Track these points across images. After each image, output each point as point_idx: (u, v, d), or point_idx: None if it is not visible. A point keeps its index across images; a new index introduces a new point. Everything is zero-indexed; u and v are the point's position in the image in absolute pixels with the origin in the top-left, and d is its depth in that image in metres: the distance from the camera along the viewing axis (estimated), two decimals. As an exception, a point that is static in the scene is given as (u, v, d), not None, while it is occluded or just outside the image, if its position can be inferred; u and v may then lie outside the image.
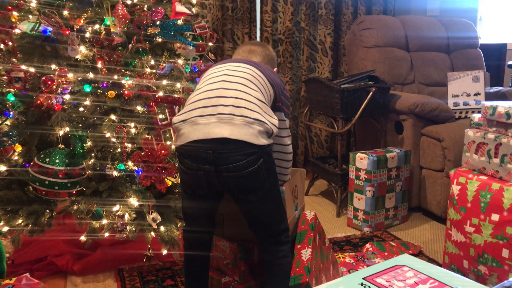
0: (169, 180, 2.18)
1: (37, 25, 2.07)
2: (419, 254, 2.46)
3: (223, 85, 1.62)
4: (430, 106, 2.89)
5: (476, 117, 2.18)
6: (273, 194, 1.66)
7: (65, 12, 2.10)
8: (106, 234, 2.09)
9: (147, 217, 2.10)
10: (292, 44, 3.81)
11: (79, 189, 2.09)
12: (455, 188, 2.11)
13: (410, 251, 2.47)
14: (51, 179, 2.01)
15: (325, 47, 3.87)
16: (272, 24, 3.73)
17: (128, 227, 2.09)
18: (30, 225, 2.08)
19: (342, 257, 2.34)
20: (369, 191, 2.72)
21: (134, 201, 2.10)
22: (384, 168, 2.74)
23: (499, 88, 3.57)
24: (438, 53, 3.64)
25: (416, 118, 2.95)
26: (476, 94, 3.10)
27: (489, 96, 3.24)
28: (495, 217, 1.93)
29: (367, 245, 2.50)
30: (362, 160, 2.73)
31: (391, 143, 3.11)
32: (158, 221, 2.11)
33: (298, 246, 1.80)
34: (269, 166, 1.61)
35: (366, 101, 2.88)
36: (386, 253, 2.41)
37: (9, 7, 2.06)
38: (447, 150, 2.75)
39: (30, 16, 2.13)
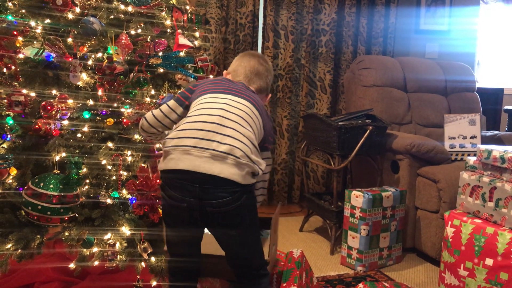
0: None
1: (41, 50, 2.10)
2: (412, 296, 2.43)
3: (221, 121, 1.60)
4: (427, 147, 2.91)
5: (472, 160, 2.20)
6: (252, 228, 1.67)
7: (69, 40, 2.14)
8: (96, 263, 2.06)
9: (138, 246, 2.08)
10: (292, 80, 3.86)
11: (71, 215, 2.08)
12: (449, 231, 2.10)
13: (403, 293, 2.43)
14: (44, 204, 2.00)
15: (324, 84, 3.92)
16: (273, 59, 3.79)
17: (118, 256, 2.07)
18: (19, 250, 2.05)
19: (334, 296, 2.31)
20: (364, 229, 2.70)
21: (126, 230, 2.08)
22: (379, 207, 2.73)
23: (495, 132, 3.61)
24: (436, 95, 3.69)
25: (412, 158, 2.96)
26: (472, 137, 3.13)
27: (485, 140, 3.27)
28: (489, 261, 1.91)
29: (360, 285, 2.46)
30: (357, 198, 2.73)
31: (387, 182, 3.11)
32: (149, 251, 2.08)
33: (284, 284, 1.78)
34: (250, 201, 1.64)
35: (363, 139, 2.90)
36: (378, 294, 2.37)
37: (15, 33, 2.10)
38: (443, 192, 2.74)
39: (35, 42, 2.17)
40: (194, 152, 1.53)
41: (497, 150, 2.03)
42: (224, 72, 1.95)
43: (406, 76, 3.62)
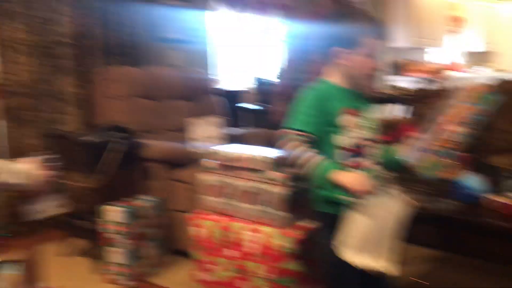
0: None
1: None
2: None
3: None
4: (177, 152, 3.07)
5: (208, 162, 2.40)
6: None
7: None
8: None
9: None
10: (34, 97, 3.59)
11: None
12: (195, 230, 2.24)
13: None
14: None
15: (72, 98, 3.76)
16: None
17: None
18: None
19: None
20: (126, 243, 2.70)
21: None
22: (139, 218, 2.77)
23: (241, 130, 4.01)
24: (181, 101, 3.88)
25: (166, 164, 3.08)
26: (214, 138, 3.40)
27: (230, 138, 3.57)
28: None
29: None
30: (114, 212, 2.72)
31: (145, 191, 3.15)
32: None
33: None
34: None
35: (114, 153, 2.88)
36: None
37: None
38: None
39: None
40: None
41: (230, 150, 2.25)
42: None
43: (153, 85, 3.70)
